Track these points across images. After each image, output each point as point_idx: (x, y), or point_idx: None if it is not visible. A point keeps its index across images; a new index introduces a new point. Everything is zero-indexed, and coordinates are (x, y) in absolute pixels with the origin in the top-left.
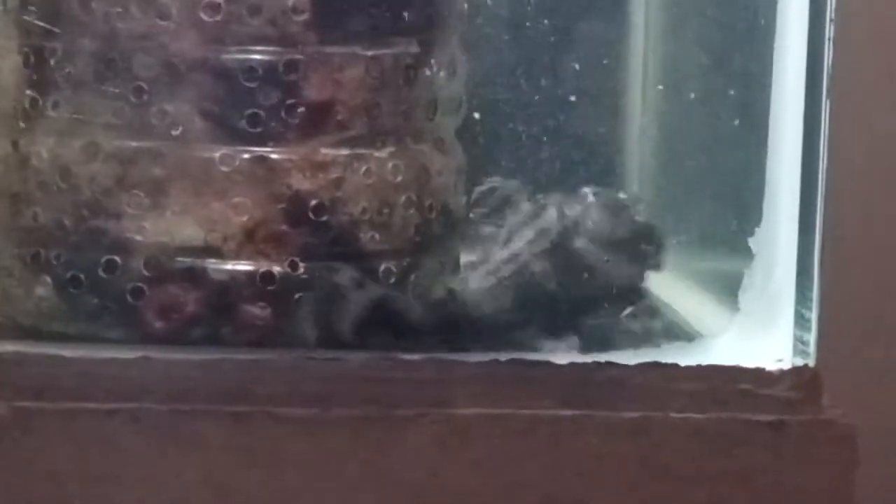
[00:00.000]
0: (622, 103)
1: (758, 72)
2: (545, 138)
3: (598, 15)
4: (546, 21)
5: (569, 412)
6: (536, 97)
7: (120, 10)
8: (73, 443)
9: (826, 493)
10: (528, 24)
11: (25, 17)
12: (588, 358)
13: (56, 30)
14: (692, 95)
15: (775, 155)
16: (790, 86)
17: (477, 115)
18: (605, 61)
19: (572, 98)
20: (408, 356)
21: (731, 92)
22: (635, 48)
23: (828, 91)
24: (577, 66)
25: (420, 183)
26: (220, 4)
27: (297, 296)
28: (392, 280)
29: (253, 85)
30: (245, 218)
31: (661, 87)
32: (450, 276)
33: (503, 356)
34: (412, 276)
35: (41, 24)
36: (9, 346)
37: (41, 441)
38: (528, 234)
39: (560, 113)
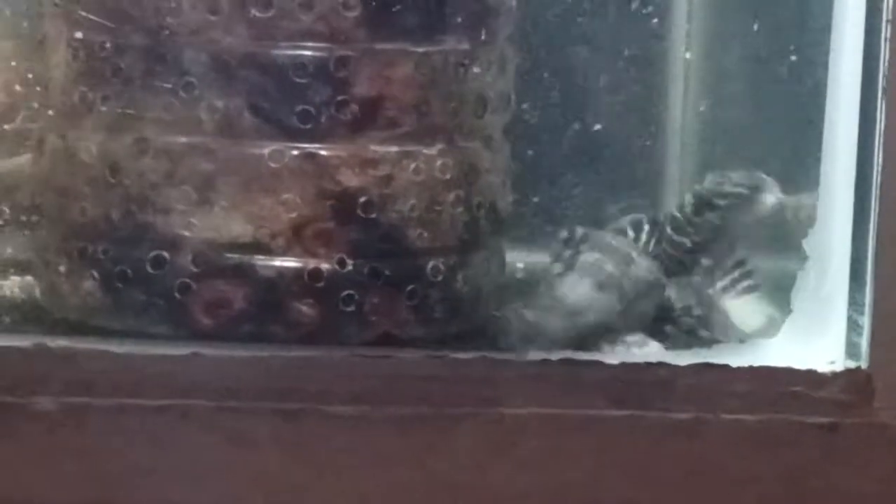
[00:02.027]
0: (665, 105)
1: (813, 71)
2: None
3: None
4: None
5: (620, 412)
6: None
7: (171, 4)
8: (122, 439)
9: (878, 497)
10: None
11: (75, 11)
12: (639, 358)
13: (107, 23)
14: (743, 96)
15: (830, 155)
16: (846, 85)
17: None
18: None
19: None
20: (458, 354)
21: (785, 91)
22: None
23: (884, 91)
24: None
25: (468, 181)
26: (270, 0)
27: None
28: (439, 278)
29: (303, 81)
30: (294, 214)
31: (704, 99)
32: (495, 275)
33: (554, 356)
34: (459, 275)
35: (91, 17)
36: (59, 341)
37: (90, 437)
38: None
39: (605, 121)
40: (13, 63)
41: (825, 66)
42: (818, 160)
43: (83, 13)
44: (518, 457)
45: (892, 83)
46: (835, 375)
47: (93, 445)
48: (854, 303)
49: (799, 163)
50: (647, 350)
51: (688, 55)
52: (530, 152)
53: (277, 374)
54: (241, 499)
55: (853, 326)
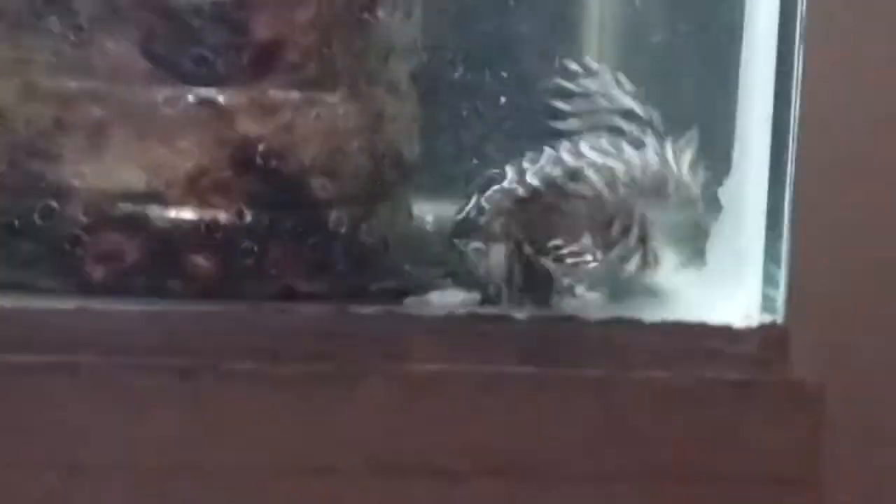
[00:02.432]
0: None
1: (728, 13)
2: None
3: None
4: None
5: (528, 369)
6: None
7: None
8: (6, 397)
9: (792, 454)
10: None
11: None
12: (548, 312)
13: None
14: (657, 39)
15: (745, 102)
16: (762, 28)
17: None
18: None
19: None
20: (360, 309)
21: (700, 35)
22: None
23: (801, 35)
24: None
25: (373, 129)
26: None
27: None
28: (342, 230)
29: (199, 23)
30: (190, 163)
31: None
32: (402, 227)
33: (460, 309)
34: (363, 226)
35: None
36: None
37: None
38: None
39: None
40: None
41: (741, 7)
42: (733, 105)
43: None
44: (423, 415)
45: (810, 24)
46: (750, 331)
47: None
48: (770, 255)
49: (713, 108)
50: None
51: None
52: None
53: (172, 328)
54: (134, 461)
55: (769, 280)
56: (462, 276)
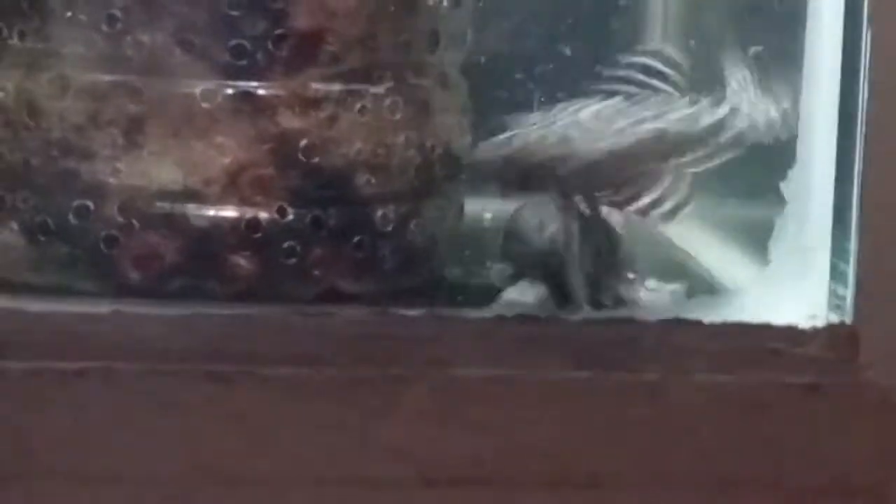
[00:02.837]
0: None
1: (790, 12)
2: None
3: None
4: None
5: (581, 374)
6: None
7: None
8: (39, 405)
9: (863, 462)
10: None
11: None
12: (603, 314)
13: None
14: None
15: (810, 91)
16: (827, 14)
17: None
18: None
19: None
20: (405, 311)
21: (762, 22)
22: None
23: (869, 19)
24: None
25: (420, 121)
26: None
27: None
28: (389, 228)
29: (237, 13)
30: (229, 159)
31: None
32: (452, 225)
33: (509, 312)
34: (412, 224)
35: None
36: None
37: (5, 403)
38: None
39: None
40: None
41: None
42: (797, 95)
43: None
44: (470, 423)
45: (878, 8)
46: (816, 331)
47: (6, 413)
48: (838, 250)
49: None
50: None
51: None
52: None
53: (208, 333)
54: (170, 470)
55: (837, 276)
56: (523, 269)
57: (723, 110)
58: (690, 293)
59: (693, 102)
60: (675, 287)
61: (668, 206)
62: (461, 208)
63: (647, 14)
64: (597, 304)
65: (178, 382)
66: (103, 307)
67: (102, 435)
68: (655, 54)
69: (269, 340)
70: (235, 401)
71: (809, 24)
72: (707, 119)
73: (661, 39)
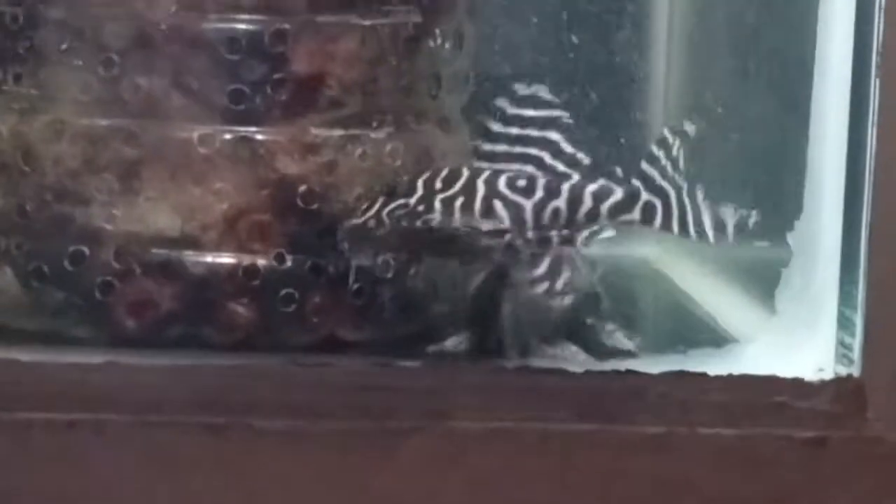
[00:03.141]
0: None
1: (799, 47)
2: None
3: None
4: None
5: (583, 426)
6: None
7: None
8: (29, 458)
9: None
10: None
11: None
12: (606, 366)
13: None
14: (724, 74)
15: (818, 139)
16: (835, 63)
17: None
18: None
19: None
20: (403, 362)
21: (769, 70)
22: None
23: (877, 68)
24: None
25: (422, 168)
26: None
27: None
28: (389, 274)
29: (236, 57)
30: (226, 205)
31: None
32: (452, 271)
33: (509, 363)
34: (412, 271)
35: None
36: None
37: None
38: None
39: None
40: None
41: (812, 39)
42: (804, 142)
43: None
44: (469, 476)
45: (887, 58)
46: (823, 384)
47: None
48: (846, 299)
49: (783, 145)
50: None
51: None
52: None
53: (203, 384)
54: None
55: (845, 326)
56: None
57: None
58: (694, 343)
59: None
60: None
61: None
62: None
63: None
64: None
65: (172, 434)
66: (96, 357)
67: (94, 488)
68: None
69: (265, 391)
70: (231, 453)
71: (817, 73)
72: None
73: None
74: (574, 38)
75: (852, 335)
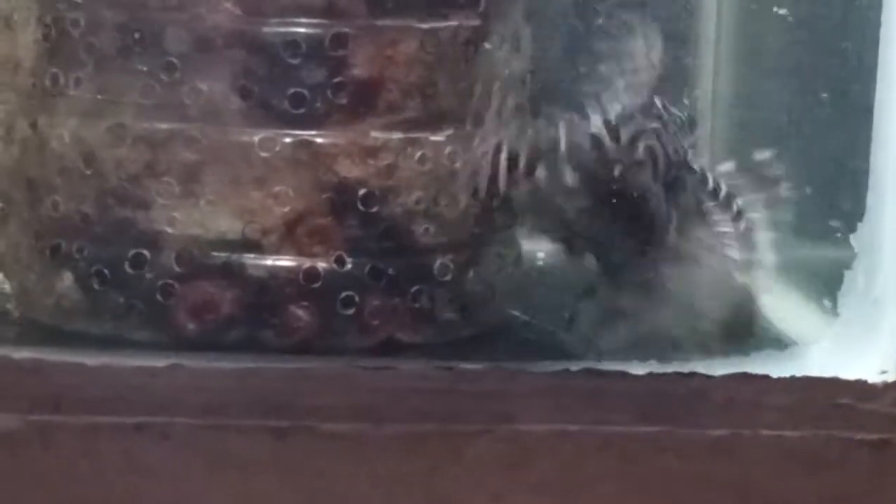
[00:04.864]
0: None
1: (862, 48)
2: None
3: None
4: None
5: (647, 429)
6: None
7: None
8: (95, 461)
9: None
10: None
11: None
12: (669, 368)
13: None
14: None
15: (880, 141)
16: None
17: None
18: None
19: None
20: (468, 366)
21: (832, 71)
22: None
23: None
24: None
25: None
26: None
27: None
28: (448, 277)
29: (296, 61)
30: (287, 208)
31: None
32: (511, 273)
33: (574, 366)
34: (470, 274)
35: None
36: (25, 353)
37: (60, 459)
38: None
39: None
40: None
41: (875, 40)
42: (867, 144)
43: None
44: (534, 479)
45: None
46: (886, 386)
47: (62, 469)
48: None
49: (846, 147)
50: None
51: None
52: None
53: (267, 387)
54: None
55: None
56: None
57: None
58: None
59: None
60: None
61: None
62: (519, 255)
63: None
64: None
65: (237, 437)
66: (160, 360)
67: (160, 490)
68: None
69: (329, 395)
70: (294, 456)
71: (879, 75)
72: None
73: None
74: None
75: None
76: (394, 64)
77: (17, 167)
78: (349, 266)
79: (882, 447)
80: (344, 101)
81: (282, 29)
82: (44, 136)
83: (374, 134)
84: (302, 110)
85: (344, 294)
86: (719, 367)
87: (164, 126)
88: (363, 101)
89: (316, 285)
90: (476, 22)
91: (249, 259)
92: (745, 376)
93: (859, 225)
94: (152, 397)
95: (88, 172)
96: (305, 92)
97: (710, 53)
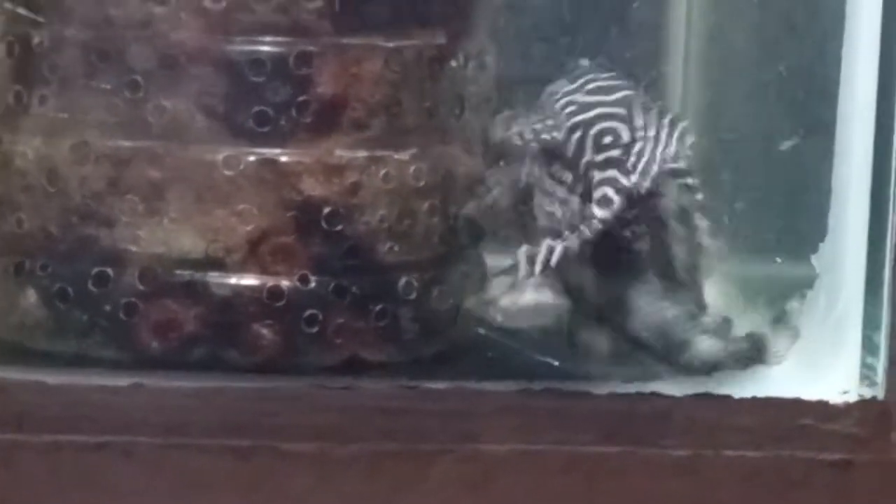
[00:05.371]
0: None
1: (824, 70)
2: None
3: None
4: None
5: (610, 448)
6: None
7: None
8: (57, 480)
9: None
10: None
11: (7, 3)
12: (632, 388)
13: (40, 19)
14: (749, 95)
15: (842, 161)
16: (859, 85)
17: None
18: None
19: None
20: (431, 385)
21: (794, 91)
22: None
23: None
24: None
25: (445, 187)
26: None
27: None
28: (412, 295)
29: (261, 79)
30: (251, 227)
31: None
32: (476, 291)
33: (537, 385)
34: (434, 292)
35: (23, 11)
36: None
37: (22, 478)
38: None
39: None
40: None
41: (837, 63)
42: (829, 165)
43: (15, 6)
44: (497, 498)
45: None
46: (848, 407)
47: (24, 488)
48: (870, 323)
49: (808, 167)
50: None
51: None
52: None
53: (230, 406)
54: None
55: (869, 348)
56: None
57: None
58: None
59: None
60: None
61: None
62: (485, 274)
63: None
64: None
65: (200, 457)
66: (123, 379)
67: None
68: None
69: (292, 414)
70: (257, 475)
71: (841, 95)
72: None
73: None
74: None
75: (876, 357)
76: (358, 82)
77: None
78: (313, 284)
79: (844, 467)
80: (308, 119)
81: (246, 47)
82: (7, 154)
83: (338, 152)
84: (266, 128)
85: (308, 312)
86: (682, 388)
87: (128, 144)
88: (328, 119)
89: (280, 304)
90: (441, 40)
91: (213, 277)
92: (708, 397)
93: (821, 245)
94: (115, 416)
95: (52, 190)
96: (270, 110)
97: (678, 78)
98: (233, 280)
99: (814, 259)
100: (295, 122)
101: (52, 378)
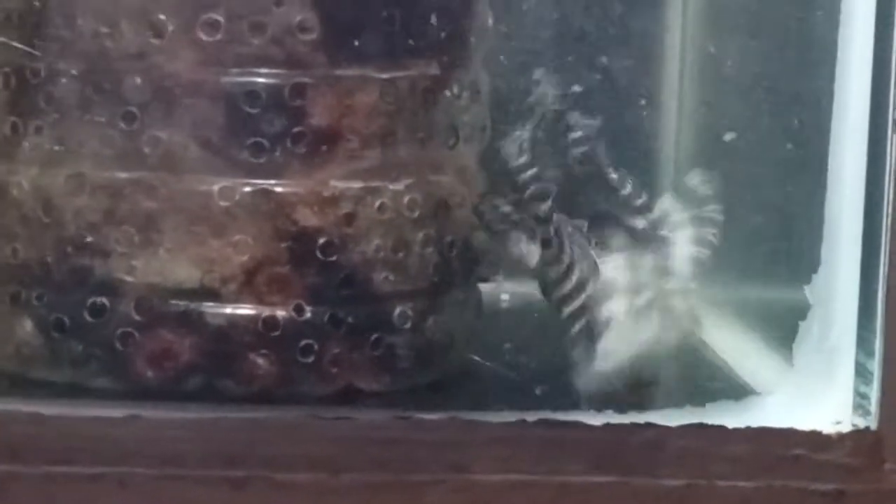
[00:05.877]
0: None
1: (816, 100)
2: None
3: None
4: None
5: (602, 479)
6: None
7: (109, 27)
8: None
9: None
10: None
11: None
12: (625, 419)
13: (35, 52)
14: (742, 124)
15: (835, 192)
16: (852, 116)
17: None
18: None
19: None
20: (424, 415)
21: (786, 122)
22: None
23: (894, 122)
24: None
25: (440, 218)
26: (219, 22)
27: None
28: (407, 325)
29: (256, 111)
30: (246, 257)
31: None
32: (471, 320)
33: (530, 416)
34: (430, 321)
35: (18, 45)
36: None
37: None
38: None
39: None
40: None
41: (829, 92)
42: (822, 196)
43: (10, 39)
44: None
45: None
46: (841, 437)
47: None
48: (863, 354)
49: (801, 198)
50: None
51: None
52: None
53: (225, 437)
54: None
55: (862, 375)
56: None
57: None
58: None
59: None
60: None
61: None
62: (480, 302)
63: None
64: None
65: (195, 487)
66: (118, 410)
67: None
68: None
69: (286, 445)
70: None
71: (834, 126)
72: None
73: None
74: None
75: (869, 386)
76: (353, 113)
77: None
78: (308, 314)
79: (837, 498)
80: (303, 150)
81: (241, 79)
82: (3, 184)
83: (333, 183)
84: (261, 159)
85: (303, 342)
86: (675, 418)
87: (123, 175)
88: (322, 150)
89: (275, 334)
90: (435, 71)
91: (209, 307)
92: (701, 427)
93: (814, 276)
94: (110, 447)
95: (48, 220)
96: (265, 141)
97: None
98: (228, 310)
99: (807, 289)
100: (290, 153)
101: (48, 409)
